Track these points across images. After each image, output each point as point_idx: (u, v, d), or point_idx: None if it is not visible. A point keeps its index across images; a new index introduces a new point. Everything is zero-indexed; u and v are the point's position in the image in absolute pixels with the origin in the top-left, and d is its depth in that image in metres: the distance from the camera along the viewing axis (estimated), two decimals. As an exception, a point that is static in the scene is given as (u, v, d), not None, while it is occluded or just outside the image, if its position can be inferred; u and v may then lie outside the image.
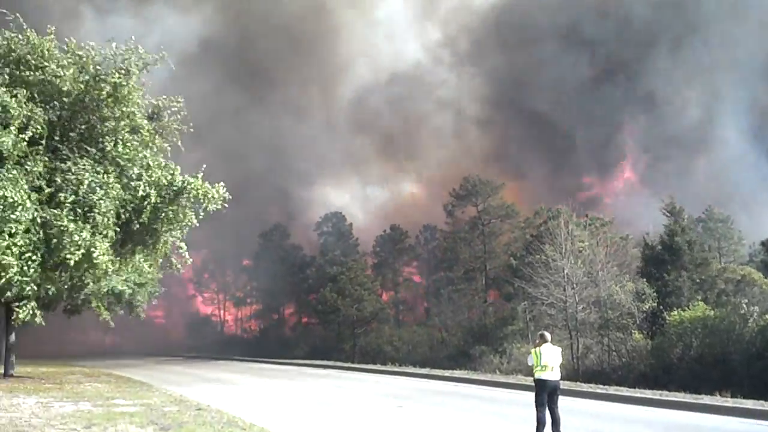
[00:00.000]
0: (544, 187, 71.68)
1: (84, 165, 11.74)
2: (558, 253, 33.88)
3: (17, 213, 10.57)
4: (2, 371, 32.03)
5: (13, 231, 10.59)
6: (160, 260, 14.50)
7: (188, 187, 12.80)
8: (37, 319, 11.40)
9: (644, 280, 35.47)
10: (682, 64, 71.89)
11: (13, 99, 11.43)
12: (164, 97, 13.97)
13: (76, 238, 10.98)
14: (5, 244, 10.52)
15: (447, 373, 31.60)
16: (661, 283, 35.26)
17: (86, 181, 11.39)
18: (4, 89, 11.48)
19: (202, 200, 13.20)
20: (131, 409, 18.03)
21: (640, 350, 32.95)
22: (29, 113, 11.59)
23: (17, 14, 12.72)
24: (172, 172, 13.04)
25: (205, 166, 13.51)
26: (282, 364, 45.38)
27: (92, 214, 11.35)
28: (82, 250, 11.10)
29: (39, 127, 11.73)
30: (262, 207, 77.72)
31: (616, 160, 76.37)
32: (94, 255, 11.32)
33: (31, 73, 12.22)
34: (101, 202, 11.38)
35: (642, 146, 75.11)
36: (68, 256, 10.97)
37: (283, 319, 75.59)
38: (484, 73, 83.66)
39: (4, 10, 12.68)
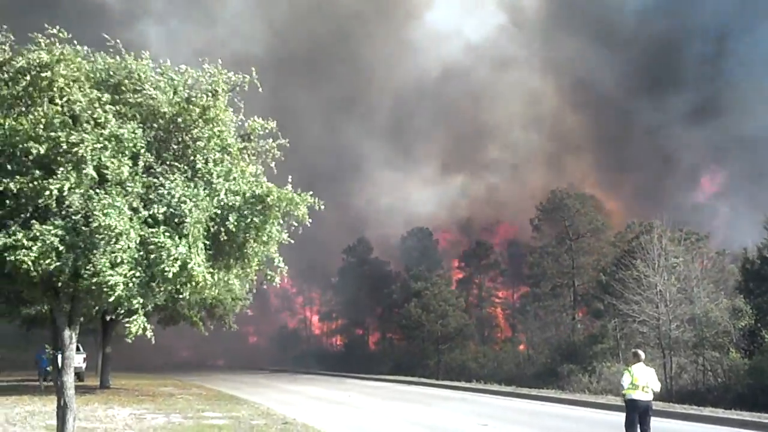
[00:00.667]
0: (627, 198, 69.17)
1: (176, 179, 12.15)
2: (651, 269, 32.84)
3: (122, 242, 11.05)
4: (99, 383, 33.33)
5: (118, 260, 11.08)
6: (255, 276, 14.71)
7: (273, 194, 13.03)
8: (148, 333, 11.79)
9: (742, 296, 33.96)
10: (755, 58, 68.78)
11: (125, 130, 12.00)
12: (255, 118, 14.24)
13: (173, 252, 11.36)
14: (111, 272, 10.99)
15: (534, 391, 30.97)
16: (762, 299, 33.69)
17: (177, 194, 11.78)
18: (115, 120, 12.05)
19: (290, 209, 13.38)
20: (220, 422, 18.42)
21: (737, 370, 31.49)
22: (137, 140, 12.13)
23: (117, 40, 13.27)
24: (257, 180, 13.31)
25: (291, 177, 13.69)
26: (366, 379, 45.51)
27: (183, 224, 11.74)
28: (179, 263, 11.48)
29: (144, 153, 12.24)
30: (339, 222, 78.23)
31: (696, 169, 73.18)
32: (190, 267, 11.69)
33: (130, 95, 12.76)
34: (191, 212, 11.75)
35: (721, 152, 71.65)
36: (166, 269, 11.36)
37: (368, 334, 75.89)
38: (547, 78, 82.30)
39: (106, 35, 13.27)
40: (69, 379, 13.05)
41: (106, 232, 10.91)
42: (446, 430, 18.49)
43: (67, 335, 13.09)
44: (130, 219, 11.31)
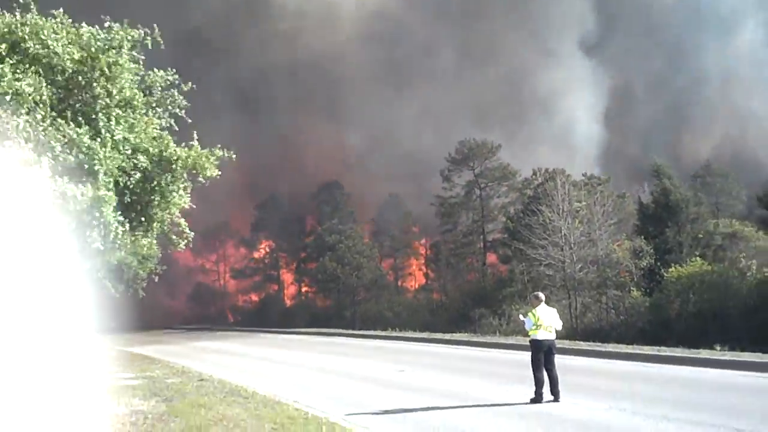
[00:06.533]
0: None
1: (82, 133, 11.87)
2: (556, 214, 33.90)
3: None
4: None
5: None
6: (155, 238, 14.55)
7: (181, 158, 12.89)
8: None
9: (642, 237, 35.53)
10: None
11: (23, 83, 11.59)
12: (156, 70, 14.00)
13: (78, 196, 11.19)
14: None
15: (447, 336, 31.82)
16: (659, 240, 35.34)
17: (84, 146, 11.54)
18: (11, 74, 11.62)
19: (196, 170, 13.28)
20: (134, 383, 18.18)
21: (638, 307, 33.14)
22: (38, 94, 11.74)
23: None
24: (166, 143, 13.12)
25: (197, 135, 13.56)
26: (283, 333, 45.67)
27: (95, 174, 11.53)
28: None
29: (43, 106, 11.88)
30: (254, 172, 76.62)
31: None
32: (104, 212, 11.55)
33: (32, 48, 12.35)
34: (102, 162, 11.55)
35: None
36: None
37: (283, 289, 75.81)
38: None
39: None
40: None
41: None
42: (363, 377, 18.83)
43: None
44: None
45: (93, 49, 12.66)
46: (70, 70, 12.50)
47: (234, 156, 13.74)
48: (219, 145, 13.73)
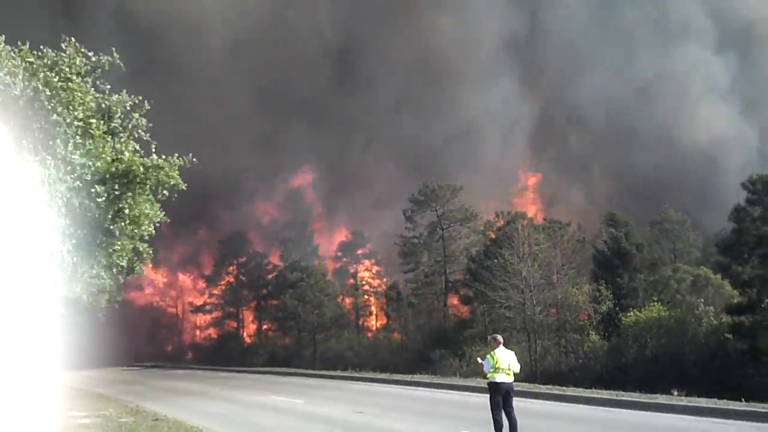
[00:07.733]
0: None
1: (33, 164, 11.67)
2: (516, 257, 34.15)
3: None
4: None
5: None
6: (123, 264, 14.33)
7: (135, 165, 12.73)
8: None
9: (603, 281, 35.92)
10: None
11: None
12: (115, 96, 13.89)
13: None
14: None
15: (407, 377, 31.68)
16: (615, 285, 35.78)
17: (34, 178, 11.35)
18: None
19: (161, 178, 13.15)
20: (87, 421, 17.78)
21: (596, 351, 33.40)
22: None
23: None
24: (126, 158, 12.96)
25: (155, 143, 13.45)
26: (241, 372, 45.06)
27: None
28: None
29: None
30: (215, 209, 76.09)
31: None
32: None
33: None
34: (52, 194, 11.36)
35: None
36: None
37: (242, 327, 74.91)
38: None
39: None
40: None
41: None
42: (321, 419, 18.64)
43: None
44: None
45: (46, 74, 12.53)
46: (25, 98, 12.36)
47: (195, 160, 13.61)
48: (177, 154, 13.59)
